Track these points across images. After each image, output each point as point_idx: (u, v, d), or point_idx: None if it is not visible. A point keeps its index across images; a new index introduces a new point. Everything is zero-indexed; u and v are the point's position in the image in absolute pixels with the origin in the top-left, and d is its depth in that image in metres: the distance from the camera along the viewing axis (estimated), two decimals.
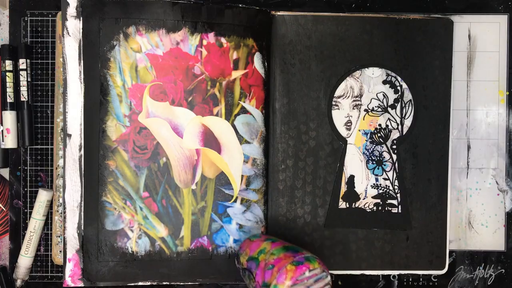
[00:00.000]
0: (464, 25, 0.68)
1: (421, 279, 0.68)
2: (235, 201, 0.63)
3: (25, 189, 0.67)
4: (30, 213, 0.66)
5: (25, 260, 0.65)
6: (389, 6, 0.68)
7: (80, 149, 0.61)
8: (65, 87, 0.61)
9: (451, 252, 0.68)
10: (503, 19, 0.68)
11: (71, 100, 0.61)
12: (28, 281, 0.67)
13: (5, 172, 0.67)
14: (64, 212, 0.61)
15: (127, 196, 0.62)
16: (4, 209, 0.67)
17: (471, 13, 0.68)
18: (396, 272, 0.67)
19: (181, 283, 0.63)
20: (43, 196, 0.65)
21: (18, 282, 0.66)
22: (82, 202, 0.61)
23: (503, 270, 0.69)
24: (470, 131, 0.68)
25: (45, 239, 0.67)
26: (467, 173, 0.69)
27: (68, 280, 0.61)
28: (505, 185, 0.68)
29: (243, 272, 0.58)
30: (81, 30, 0.60)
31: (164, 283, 0.63)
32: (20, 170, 0.67)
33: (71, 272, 0.61)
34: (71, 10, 0.60)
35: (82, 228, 0.61)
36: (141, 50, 0.61)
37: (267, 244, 0.58)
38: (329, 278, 0.54)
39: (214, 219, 0.63)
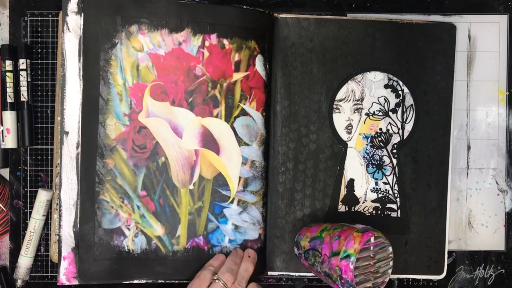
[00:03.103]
0: (464, 25, 0.68)
1: (421, 279, 0.68)
2: (231, 202, 0.63)
3: (25, 189, 0.67)
4: (30, 213, 0.66)
5: (25, 260, 0.65)
6: (389, 6, 0.68)
7: (77, 147, 0.61)
8: (64, 84, 0.61)
9: (451, 252, 0.68)
10: (503, 19, 0.68)
11: (69, 97, 0.61)
12: (28, 281, 0.67)
13: (5, 172, 0.67)
14: (60, 210, 0.61)
15: (125, 195, 0.61)
16: (4, 209, 0.67)
17: (471, 13, 0.68)
18: (394, 276, 0.66)
19: (176, 281, 0.62)
20: (43, 196, 0.65)
21: (19, 282, 0.66)
22: (79, 201, 0.61)
23: (503, 270, 0.68)
24: (470, 131, 0.68)
25: (45, 239, 0.67)
26: (467, 173, 0.68)
27: (62, 279, 0.60)
28: (505, 185, 0.68)
29: (306, 254, 0.60)
30: (82, 27, 0.60)
31: (160, 281, 0.62)
32: (20, 170, 0.67)
33: (66, 270, 0.60)
34: (72, 5, 0.60)
35: (78, 226, 0.61)
36: (143, 49, 0.61)
37: (327, 224, 0.60)
38: (391, 249, 0.56)
39: (211, 219, 0.63)
